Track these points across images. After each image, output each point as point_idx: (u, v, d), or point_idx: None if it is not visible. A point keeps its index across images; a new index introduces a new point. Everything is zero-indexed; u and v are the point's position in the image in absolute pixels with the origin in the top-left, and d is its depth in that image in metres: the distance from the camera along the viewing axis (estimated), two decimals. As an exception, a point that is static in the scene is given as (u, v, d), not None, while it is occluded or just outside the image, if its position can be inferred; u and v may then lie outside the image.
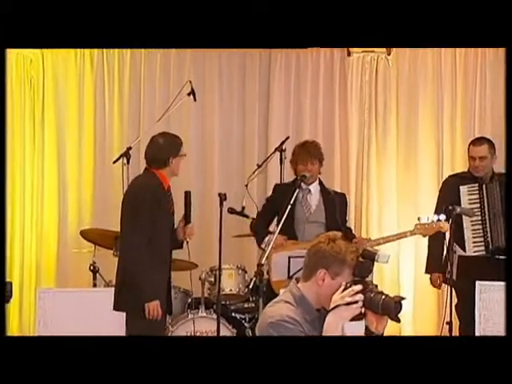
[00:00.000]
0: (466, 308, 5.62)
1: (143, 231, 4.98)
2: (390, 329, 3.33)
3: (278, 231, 5.52)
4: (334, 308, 3.13)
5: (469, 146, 6.12)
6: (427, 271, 6.18)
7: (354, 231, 6.76)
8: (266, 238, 5.83)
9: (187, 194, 5.23)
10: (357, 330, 3.22)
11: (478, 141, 6.12)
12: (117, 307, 5.13)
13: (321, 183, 6.08)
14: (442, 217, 5.63)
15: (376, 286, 3.26)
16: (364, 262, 3.23)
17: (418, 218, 5.72)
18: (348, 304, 3.12)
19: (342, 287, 3.17)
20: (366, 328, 3.17)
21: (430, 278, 6.14)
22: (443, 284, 6.10)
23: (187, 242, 5.23)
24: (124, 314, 5.15)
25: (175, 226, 5.23)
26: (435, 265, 6.02)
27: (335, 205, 5.96)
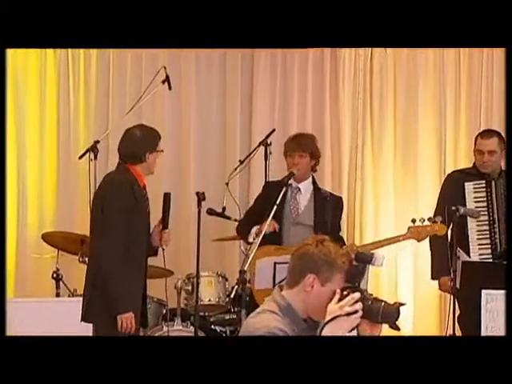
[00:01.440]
0: (470, 320, 5.58)
1: (117, 234, 4.97)
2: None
3: (261, 235, 5.50)
4: (331, 319, 3.10)
5: (476, 138, 6.08)
6: (434, 277, 6.10)
7: (346, 237, 6.75)
8: (253, 229, 5.79)
9: (167, 196, 5.20)
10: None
11: (487, 133, 6.08)
12: (85, 319, 5.10)
13: (314, 182, 6.07)
14: (438, 218, 5.62)
15: (371, 294, 3.23)
16: (357, 266, 3.20)
17: (413, 221, 5.70)
18: (348, 314, 3.10)
19: (338, 296, 3.15)
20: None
21: (439, 283, 6.06)
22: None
23: (163, 249, 5.21)
24: (91, 325, 5.13)
25: (150, 231, 5.21)
26: (442, 268, 5.89)
27: (327, 208, 5.95)
